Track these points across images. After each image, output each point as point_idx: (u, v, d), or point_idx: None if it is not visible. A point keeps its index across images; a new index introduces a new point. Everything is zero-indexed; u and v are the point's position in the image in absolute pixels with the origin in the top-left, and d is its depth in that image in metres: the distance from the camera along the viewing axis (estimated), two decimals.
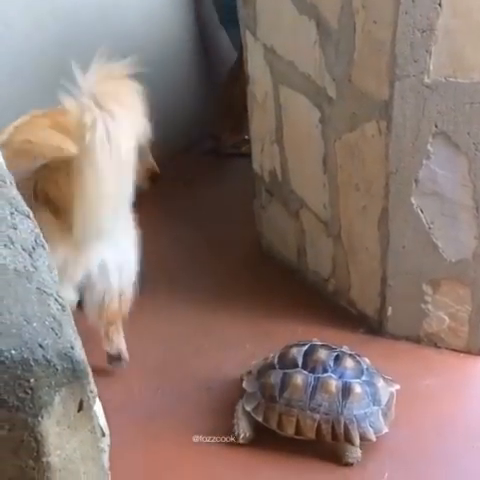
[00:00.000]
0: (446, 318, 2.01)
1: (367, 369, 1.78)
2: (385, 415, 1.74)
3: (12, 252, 1.05)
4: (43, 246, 1.10)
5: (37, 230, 1.11)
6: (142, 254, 2.48)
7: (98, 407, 1.03)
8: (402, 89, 1.77)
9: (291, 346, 1.82)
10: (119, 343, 2.00)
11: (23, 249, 1.06)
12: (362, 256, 2.06)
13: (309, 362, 1.75)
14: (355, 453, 1.73)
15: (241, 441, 1.77)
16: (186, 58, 2.83)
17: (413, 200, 1.89)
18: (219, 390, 1.93)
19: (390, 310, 2.05)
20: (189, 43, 2.83)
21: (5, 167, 1.24)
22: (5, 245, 1.06)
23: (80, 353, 0.96)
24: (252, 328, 2.16)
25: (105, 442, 1.05)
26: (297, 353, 1.78)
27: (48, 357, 0.93)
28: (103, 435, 1.04)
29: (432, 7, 1.68)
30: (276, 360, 1.80)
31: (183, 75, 2.82)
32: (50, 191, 1.65)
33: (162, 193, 2.78)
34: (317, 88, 2.00)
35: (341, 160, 2.01)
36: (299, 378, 1.73)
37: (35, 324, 0.95)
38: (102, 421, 1.05)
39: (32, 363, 0.91)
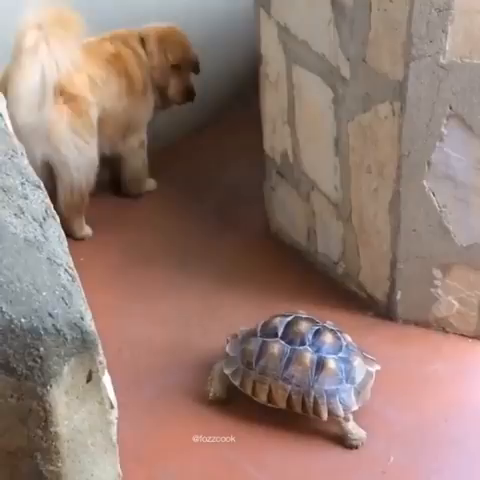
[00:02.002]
0: (456, 303, 2.00)
1: (347, 346, 1.78)
2: (358, 393, 1.75)
3: (22, 222, 1.04)
4: (53, 217, 1.09)
5: (47, 200, 1.11)
6: (152, 233, 2.51)
7: (107, 379, 1.02)
8: (417, 69, 1.75)
9: (276, 316, 1.84)
10: (81, 228, 2.44)
11: (34, 219, 1.06)
12: (372, 239, 2.04)
13: (289, 333, 1.78)
14: (358, 435, 1.73)
15: (210, 398, 1.81)
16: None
17: (425, 183, 1.87)
18: None
19: (399, 294, 2.03)
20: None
21: (16, 138, 1.24)
22: (15, 214, 1.05)
23: (90, 324, 0.96)
24: (260, 310, 2.14)
25: (113, 414, 1.04)
26: (279, 323, 1.80)
27: (58, 326, 0.92)
28: (112, 407, 1.03)
29: None
30: (259, 328, 1.83)
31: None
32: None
33: (172, 173, 2.78)
34: (331, 68, 1.98)
35: (353, 142, 1.99)
36: (276, 348, 1.76)
37: (45, 293, 0.95)
38: (111, 393, 1.04)
39: (42, 332, 0.91)
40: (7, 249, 0.98)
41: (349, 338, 1.82)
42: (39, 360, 0.90)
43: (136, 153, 2.60)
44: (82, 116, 2.30)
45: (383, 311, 2.09)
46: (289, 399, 1.73)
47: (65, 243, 1.07)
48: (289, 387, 1.73)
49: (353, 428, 1.73)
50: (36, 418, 0.92)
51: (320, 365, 1.73)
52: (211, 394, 1.82)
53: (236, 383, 1.79)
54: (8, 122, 1.29)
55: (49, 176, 2.33)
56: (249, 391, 1.77)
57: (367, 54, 1.85)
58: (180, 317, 2.14)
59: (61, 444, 0.95)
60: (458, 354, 1.98)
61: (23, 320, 0.90)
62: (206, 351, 2.00)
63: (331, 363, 1.73)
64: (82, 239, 2.45)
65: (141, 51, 2.48)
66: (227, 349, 1.85)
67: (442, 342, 2.01)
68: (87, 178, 2.37)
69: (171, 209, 2.61)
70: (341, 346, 1.77)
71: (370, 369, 1.79)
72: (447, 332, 2.02)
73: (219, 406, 1.83)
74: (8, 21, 2.20)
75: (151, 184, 2.70)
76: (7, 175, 1.09)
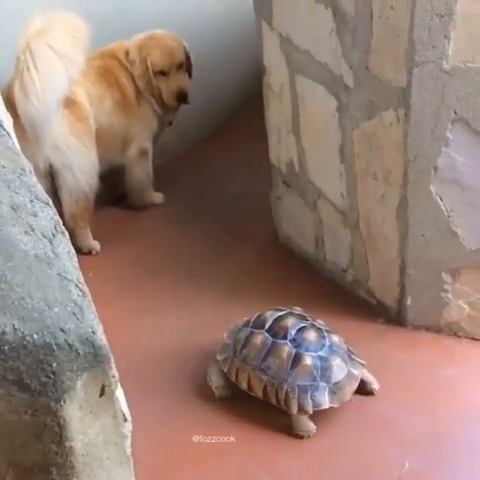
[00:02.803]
0: (466, 307, 1.99)
1: (330, 346, 1.80)
2: (333, 393, 1.76)
3: (32, 239, 1.05)
4: (63, 233, 1.10)
5: (56, 217, 1.12)
6: (160, 246, 2.52)
7: (120, 392, 1.03)
8: (420, 76, 1.76)
9: (270, 309, 1.89)
10: (87, 240, 2.46)
11: (43, 236, 1.06)
12: (381, 245, 2.05)
13: (275, 327, 1.83)
14: (307, 427, 1.76)
15: (217, 395, 1.86)
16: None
17: (432, 188, 1.88)
18: None
19: (409, 299, 2.03)
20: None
21: (24, 157, 1.25)
22: (26, 232, 1.06)
23: (102, 338, 0.96)
24: None
25: (127, 428, 1.04)
26: (270, 316, 1.85)
27: (70, 341, 0.93)
28: (125, 420, 1.03)
29: None
30: (253, 319, 1.89)
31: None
32: (10, 97, 2.21)
33: (178, 184, 2.80)
34: (334, 77, 1.99)
35: (358, 149, 2.00)
36: (259, 339, 1.82)
37: (56, 309, 0.95)
38: (124, 406, 1.05)
39: (54, 347, 0.91)
40: (18, 266, 0.99)
41: (336, 339, 1.83)
42: (52, 376, 0.91)
43: (137, 163, 2.63)
44: (81, 120, 2.37)
45: (393, 317, 2.09)
46: (265, 389, 1.78)
47: (75, 259, 1.08)
48: (265, 378, 1.78)
49: (305, 421, 1.76)
50: (51, 433, 0.93)
51: (296, 360, 1.76)
52: (214, 388, 1.86)
53: (225, 369, 1.85)
54: (16, 141, 1.31)
55: (53, 192, 2.36)
56: (233, 378, 1.83)
57: (370, 62, 1.86)
58: (190, 328, 2.15)
59: (76, 459, 0.95)
60: (470, 358, 1.97)
61: (36, 336, 0.91)
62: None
63: (307, 360, 1.76)
64: (89, 253, 2.46)
65: (127, 63, 2.53)
66: (224, 337, 1.92)
67: (454, 346, 2.00)
68: (90, 182, 2.41)
69: (178, 220, 2.62)
70: (323, 345, 1.79)
71: (353, 371, 1.80)
72: (459, 336, 2.02)
73: (231, 412, 1.83)
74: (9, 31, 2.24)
75: (158, 198, 2.72)
76: (16, 193, 1.10)
